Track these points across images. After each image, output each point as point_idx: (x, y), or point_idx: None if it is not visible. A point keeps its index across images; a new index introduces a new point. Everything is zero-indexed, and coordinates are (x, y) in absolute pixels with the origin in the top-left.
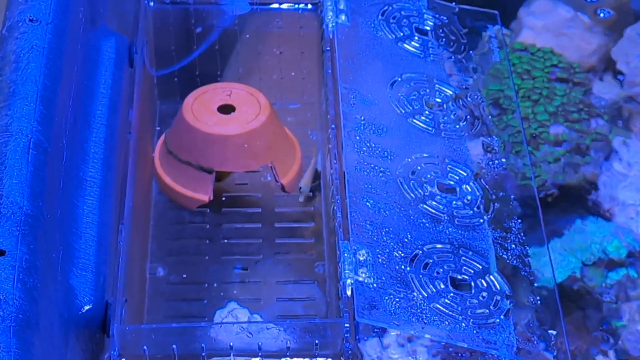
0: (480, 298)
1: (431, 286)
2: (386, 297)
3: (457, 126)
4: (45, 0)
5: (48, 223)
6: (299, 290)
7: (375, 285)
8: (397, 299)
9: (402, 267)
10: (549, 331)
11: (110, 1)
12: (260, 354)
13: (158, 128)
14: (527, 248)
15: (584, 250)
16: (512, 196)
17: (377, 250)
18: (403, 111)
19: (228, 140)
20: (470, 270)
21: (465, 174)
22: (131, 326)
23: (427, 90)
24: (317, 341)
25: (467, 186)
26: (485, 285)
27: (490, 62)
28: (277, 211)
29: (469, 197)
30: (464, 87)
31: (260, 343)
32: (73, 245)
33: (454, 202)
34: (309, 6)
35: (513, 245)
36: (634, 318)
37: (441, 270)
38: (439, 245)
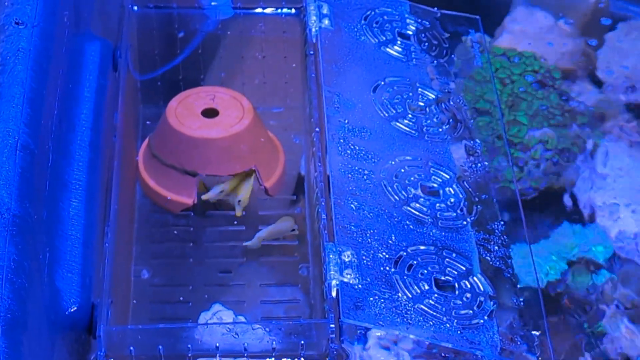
0: (464, 299)
1: (415, 287)
2: (371, 298)
3: (440, 129)
4: (31, 3)
5: (35, 224)
6: (282, 293)
7: (360, 286)
8: (382, 300)
9: (387, 268)
10: (532, 332)
11: (94, 5)
12: (245, 355)
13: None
14: (510, 250)
15: (565, 253)
16: (495, 199)
17: (362, 252)
18: (386, 114)
19: (212, 143)
20: (454, 271)
21: (448, 177)
22: (118, 327)
23: (410, 94)
24: (302, 342)
25: (450, 189)
26: (468, 286)
27: (471, 67)
28: (260, 214)
29: (452, 200)
30: (446, 91)
31: (246, 344)
32: (59, 247)
33: (438, 205)
34: (292, 11)
35: (496, 247)
36: (614, 320)
37: (425, 271)
38: (422, 247)
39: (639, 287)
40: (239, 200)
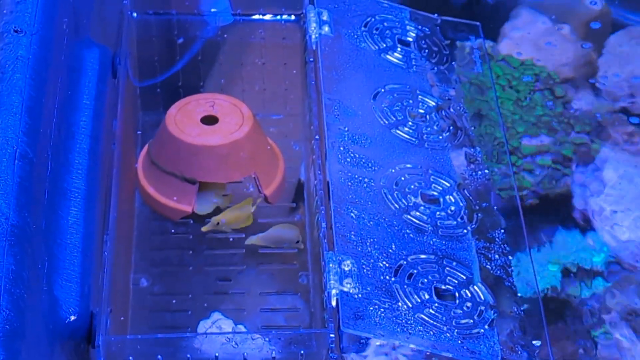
0: (465, 308)
1: (416, 296)
2: (371, 308)
3: (440, 137)
4: (30, 11)
5: (34, 234)
6: (282, 301)
7: (360, 295)
8: (382, 309)
9: (387, 277)
10: (533, 341)
11: (93, 12)
12: None
13: (139, 132)
14: (510, 258)
15: (566, 260)
16: (495, 207)
17: (362, 261)
18: (386, 122)
19: (211, 151)
20: (454, 280)
21: (448, 185)
22: (116, 337)
23: (410, 101)
24: (302, 351)
25: (451, 197)
26: (469, 295)
27: (472, 73)
28: (260, 222)
29: (452, 208)
30: (446, 98)
31: (245, 353)
32: (58, 255)
33: (438, 213)
34: (292, 17)
35: (496, 256)
36: (614, 327)
37: (425, 280)
38: (423, 256)
39: (639, 295)
40: (220, 222)
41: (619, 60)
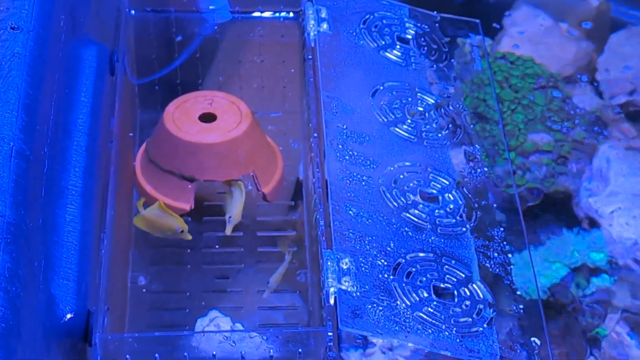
0: (463, 307)
1: (414, 295)
2: (369, 306)
3: (439, 135)
4: (27, 7)
5: (30, 232)
6: (281, 299)
7: (358, 293)
8: (381, 308)
9: (385, 275)
10: (532, 339)
11: (90, 9)
12: None
13: (137, 130)
14: (510, 256)
15: (566, 259)
16: (494, 205)
17: (360, 259)
18: (385, 120)
19: (209, 149)
20: (453, 278)
21: (447, 183)
22: (114, 335)
23: (409, 99)
24: (300, 350)
25: (450, 195)
26: (468, 293)
27: (471, 71)
28: (258, 220)
29: (451, 206)
30: (445, 95)
31: (243, 352)
32: (55, 254)
33: (437, 211)
34: (291, 14)
35: (495, 254)
36: (614, 326)
37: (424, 278)
38: (421, 254)
39: (638, 293)
40: (230, 217)
41: (619, 57)
